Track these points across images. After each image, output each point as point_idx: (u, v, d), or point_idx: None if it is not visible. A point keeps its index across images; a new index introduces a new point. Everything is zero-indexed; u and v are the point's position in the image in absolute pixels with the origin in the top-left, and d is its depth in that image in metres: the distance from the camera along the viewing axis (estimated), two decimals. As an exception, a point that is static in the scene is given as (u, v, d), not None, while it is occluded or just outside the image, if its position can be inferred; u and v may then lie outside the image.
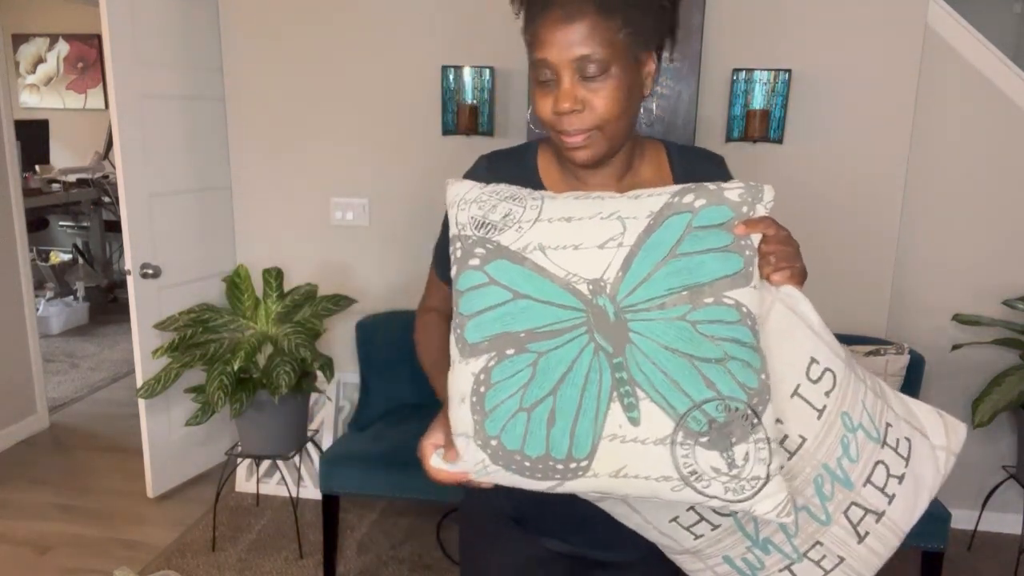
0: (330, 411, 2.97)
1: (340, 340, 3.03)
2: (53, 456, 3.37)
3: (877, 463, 1.00)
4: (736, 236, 0.96)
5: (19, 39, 6.42)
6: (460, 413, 0.96)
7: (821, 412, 0.97)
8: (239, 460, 2.77)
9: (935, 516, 2.16)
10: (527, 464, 0.93)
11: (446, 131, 2.74)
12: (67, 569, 2.55)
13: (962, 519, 2.82)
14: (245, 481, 3.06)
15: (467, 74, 2.67)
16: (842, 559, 1.03)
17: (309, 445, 2.97)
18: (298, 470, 2.92)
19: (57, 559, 2.60)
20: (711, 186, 0.98)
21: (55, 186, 5.37)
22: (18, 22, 6.38)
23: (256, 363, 2.57)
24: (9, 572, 2.52)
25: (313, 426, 2.97)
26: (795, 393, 0.97)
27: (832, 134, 2.62)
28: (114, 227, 5.80)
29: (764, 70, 2.53)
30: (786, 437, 0.97)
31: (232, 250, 3.06)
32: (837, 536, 1.01)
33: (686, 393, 0.90)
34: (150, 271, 2.75)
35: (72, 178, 5.56)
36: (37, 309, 4.18)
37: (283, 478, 2.76)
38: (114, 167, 2.75)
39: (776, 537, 1.02)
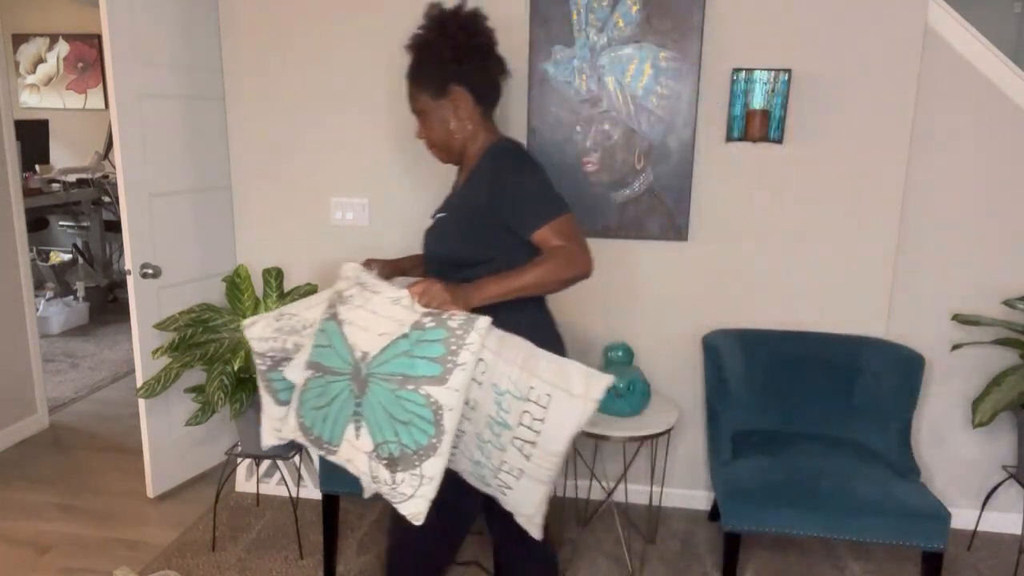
0: (330, 411, 2.97)
1: (340, 340, 3.03)
2: (53, 456, 3.37)
3: (524, 412, 1.56)
4: (445, 353, 1.51)
5: (19, 39, 6.42)
6: (293, 397, 1.76)
7: (482, 384, 1.57)
8: (239, 460, 2.77)
9: (935, 516, 2.16)
10: (311, 438, 1.70)
11: (446, 131, 2.74)
12: (67, 569, 2.55)
13: (962, 519, 2.82)
14: (245, 481, 3.06)
15: (467, 74, 2.66)
16: (522, 470, 1.61)
17: (309, 445, 2.97)
18: (298, 470, 2.92)
19: (57, 559, 2.60)
20: (444, 315, 1.55)
21: (55, 186, 5.37)
22: (18, 22, 6.38)
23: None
24: (9, 572, 2.53)
25: (313, 426, 2.97)
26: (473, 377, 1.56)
27: (832, 134, 2.62)
28: (114, 227, 5.80)
29: (764, 70, 2.53)
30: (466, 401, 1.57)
31: (232, 250, 3.06)
32: (515, 458, 1.60)
33: (383, 432, 1.54)
34: (150, 271, 2.75)
35: (72, 178, 5.56)
36: (37, 309, 4.18)
37: (283, 478, 2.76)
38: (114, 167, 2.75)
39: (491, 461, 1.63)
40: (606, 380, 1.58)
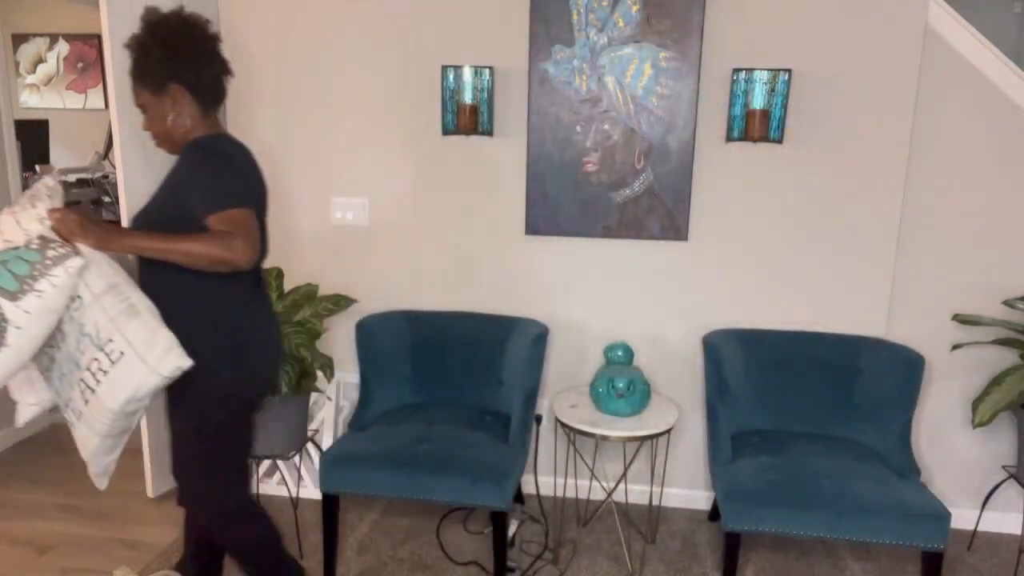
0: (330, 411, 2.98)
1: (340, 340, 3.03)
2: (53, 456, 3.37)
3: (94, 359, 1.67)
4: (28, 274, 1.63)
5: (19, 39, 6.42)
6: None
7: (72, 320, 1.68)
8: (239, 460, 2.77)
9: (935, 516, 2.16)
10: None
11: (446, 131, 2.74)
12: (67, 569, 2.55)
13: (962, 519, 2.82)
14: (245, 481, 3.06)
15: (467, 74, 2.67)
16: (82, 413, 1.74)
17: (309, 445, 2.97)
18: (298, 470, 2.92)
19: (57, 559, 2.60)
20: (54, 242, 1.66)
21: (55, 186, 5.35)
22: (18, 22, 6.38)
23: (256, 363, 2.56)
24: (9, 572, 2.53)
25: (313, 426, 2.97)
26: (68, 307, 1.68)
27: (832, 134, 2.62)
28: (114, 227, 5.79)
29: (764, 70, 2.53)
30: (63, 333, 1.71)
31: (232, 250, 3.06)
32: (77, 399, 1.73)
33: None
34: (150, 271, 2.74)
35: (72, 178, 5.56)
36: (37, 309, 4.16)
37: (283, 478, 2.76)
38: (114, 167, 2.75)
39: (63, 393, 1.79)
40: (182, 362, 1.68)
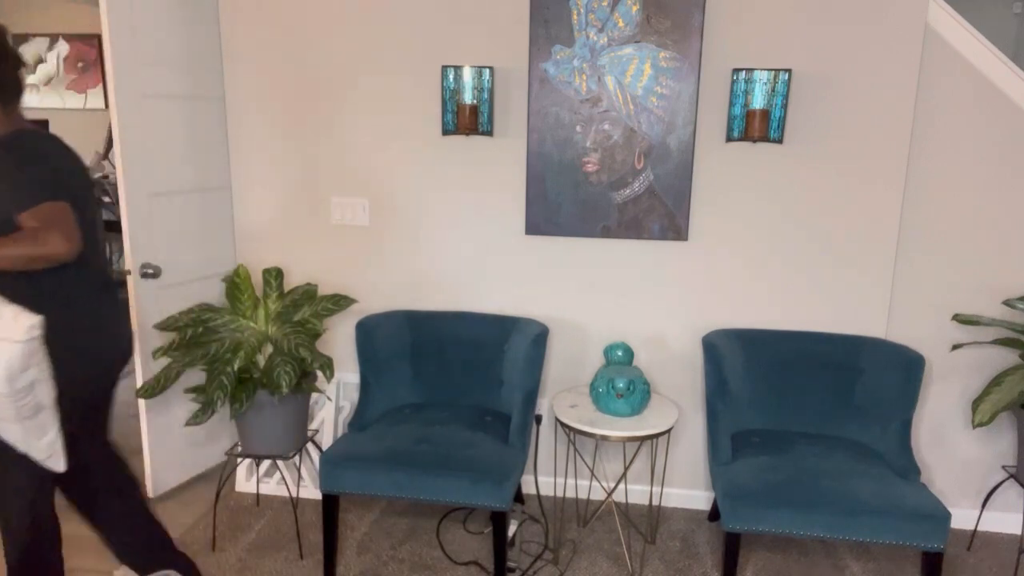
0: (330, 411, 2.98)
1: (340, 340, 3.03)
2: (53, 456, 3.36)
3: None
4: None
5: (19, 39, 6.42)
6: None
7: None
8: (239, 460, 2.77)
9: (935, 516, 2.16)
10: None
11: (446, 131, 2.74)
12: (67, 569, 2.55)
13: (962, 519, 2.82)
14: (245, 481, 3.06)
15: (467, 74, 2.67)
16: None
17: (309, 445, 2.97)
18: (298, 470, 2.92)
19: (57, 559, 2.60)
20: None
21: (55, 186, 5.36)
22: (18, 22, 6.38)
23: (256, 363, 2.57)
24: (9, 572, 2.52)
25: (313, 426, 2.97)
26: None
27: (832, 134, 2.62)
28: (114, 227, 5.79)
29: (764, 70, 2.53)
30: None
31: (232, 250, 3.06)
32: None
33: None
34: (150, 271, 2.75)
35: (72, 178, 5.55)
36: (37, 309, 4.16)
37: (283, 478, 2.76)
38: (114, 167, 2.75)
39: None
40: (31, 320, 1.71)
